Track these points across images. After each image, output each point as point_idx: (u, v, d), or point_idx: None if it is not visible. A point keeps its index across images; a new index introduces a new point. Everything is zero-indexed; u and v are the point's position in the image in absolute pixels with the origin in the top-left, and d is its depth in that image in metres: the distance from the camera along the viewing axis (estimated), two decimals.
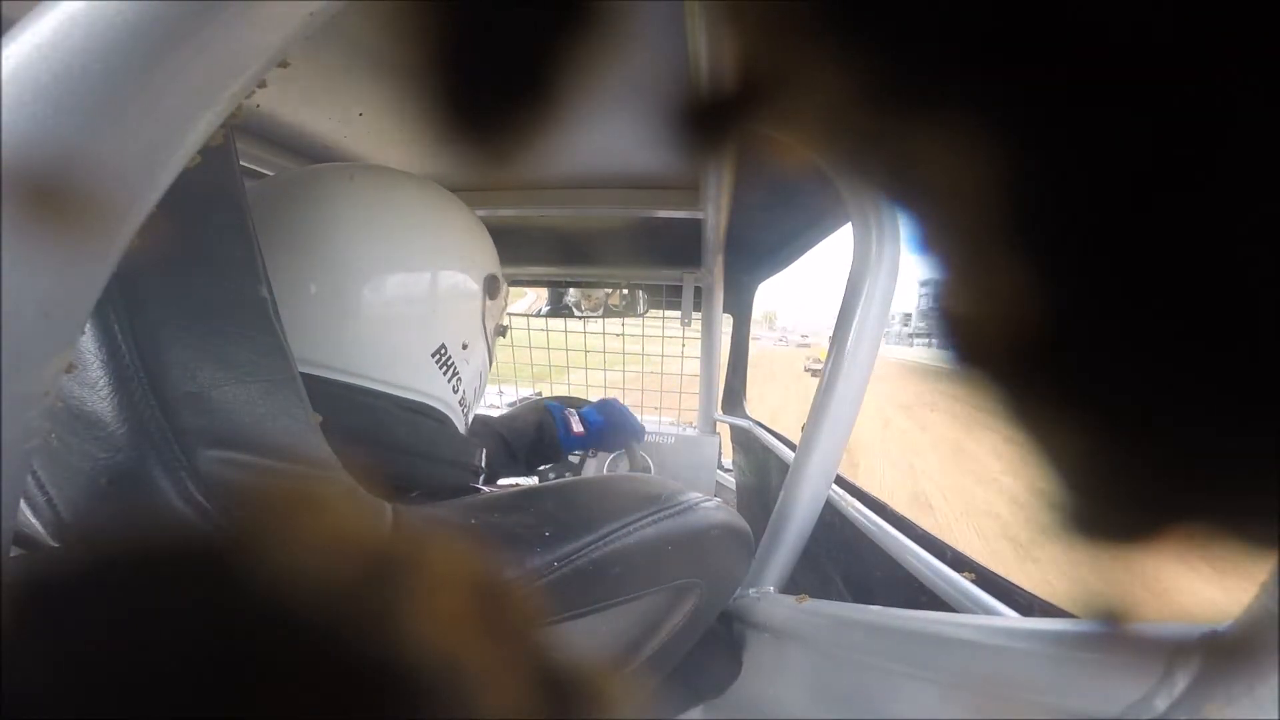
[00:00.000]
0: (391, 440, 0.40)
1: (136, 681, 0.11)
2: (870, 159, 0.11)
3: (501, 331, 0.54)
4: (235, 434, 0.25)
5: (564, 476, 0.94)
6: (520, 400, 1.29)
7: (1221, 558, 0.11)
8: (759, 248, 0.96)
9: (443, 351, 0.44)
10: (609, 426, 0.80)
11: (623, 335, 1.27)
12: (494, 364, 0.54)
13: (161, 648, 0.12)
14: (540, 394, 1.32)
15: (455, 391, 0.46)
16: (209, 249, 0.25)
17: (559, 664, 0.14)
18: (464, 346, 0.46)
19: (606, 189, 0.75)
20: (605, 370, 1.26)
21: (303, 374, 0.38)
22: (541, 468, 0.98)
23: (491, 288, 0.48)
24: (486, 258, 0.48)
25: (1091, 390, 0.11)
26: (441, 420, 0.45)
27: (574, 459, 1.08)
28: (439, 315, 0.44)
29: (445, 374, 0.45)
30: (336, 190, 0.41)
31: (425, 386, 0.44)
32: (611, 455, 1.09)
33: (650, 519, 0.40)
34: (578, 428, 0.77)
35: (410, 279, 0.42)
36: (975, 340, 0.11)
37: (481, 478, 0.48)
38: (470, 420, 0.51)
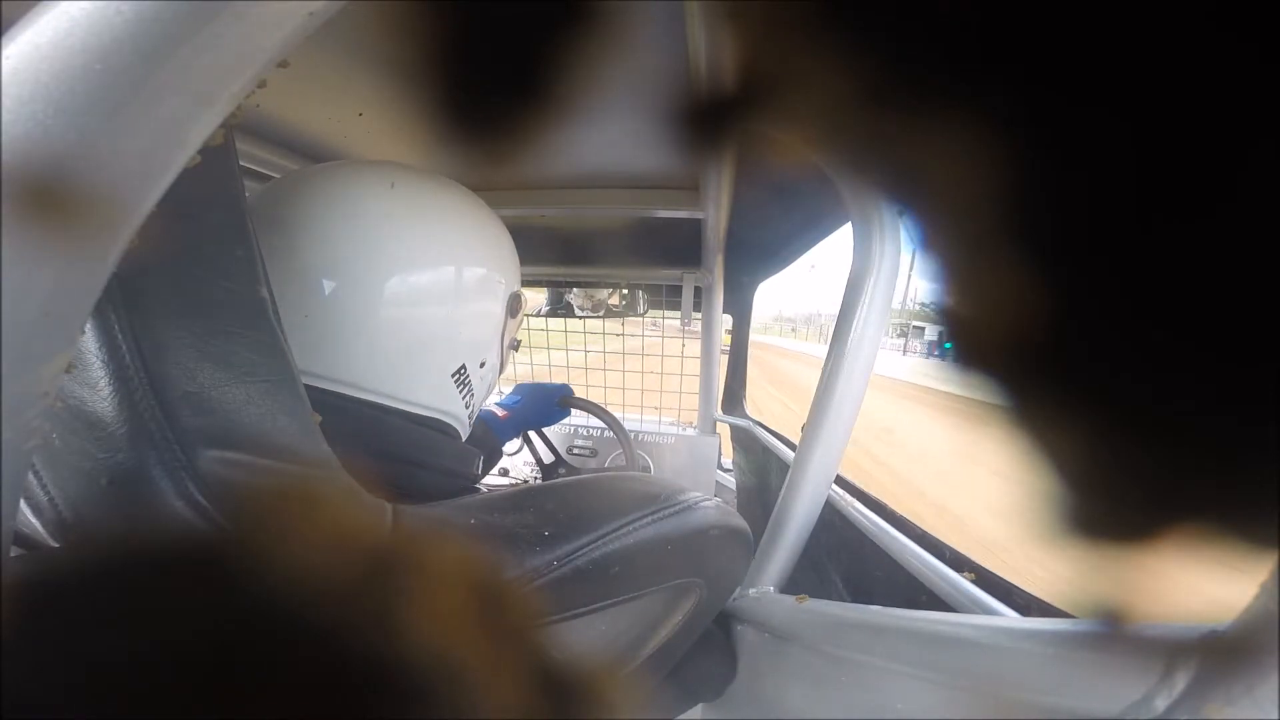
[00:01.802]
0: (397, 450, 0.40)
1: (137, 681, 0.11)
2: (871, 159, 0.11)
3: (515, 346, 0.53)
4: (235, 434, 0.25)
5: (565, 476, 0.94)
6: None
7: (1221, 558, 0.11)
8: (759, 248, 0.96)
9: (462, 371, 0.44)
10: (525, 398, 0.85)
11: (623, 335, 1.27)
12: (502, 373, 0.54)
13: (162, 648, 0.12)
14: None
15: (467, 407, 0.46)
16: (209, 249, 0.25)
17: (558, 663, 0.14)
18: (481, 365, 0.46)
19: (607, 189, 0.75)
20: (605, 370, 1.26)
21: (319, 388, 0.37)
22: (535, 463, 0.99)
23: (514, 306, 0.47)
24: (514, 274, 0.47)
25: (1092, 390, 0.11)
26: (447, 432, 0.45)
27: (578, 457, 1.08)
28: (464, 336, 0.43)
29: (461, 392, 0.45)
30: (376, 197, 0.39)
31: (440, 404, 0.43)
32: (611, 455, 1.09)
33: (650, 518, 0.40)
34: (502, 414, 0.82)
35: (443, 298, 0.41)
36: (976, 341, 0.11)
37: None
38: (473, 424, 0.51)
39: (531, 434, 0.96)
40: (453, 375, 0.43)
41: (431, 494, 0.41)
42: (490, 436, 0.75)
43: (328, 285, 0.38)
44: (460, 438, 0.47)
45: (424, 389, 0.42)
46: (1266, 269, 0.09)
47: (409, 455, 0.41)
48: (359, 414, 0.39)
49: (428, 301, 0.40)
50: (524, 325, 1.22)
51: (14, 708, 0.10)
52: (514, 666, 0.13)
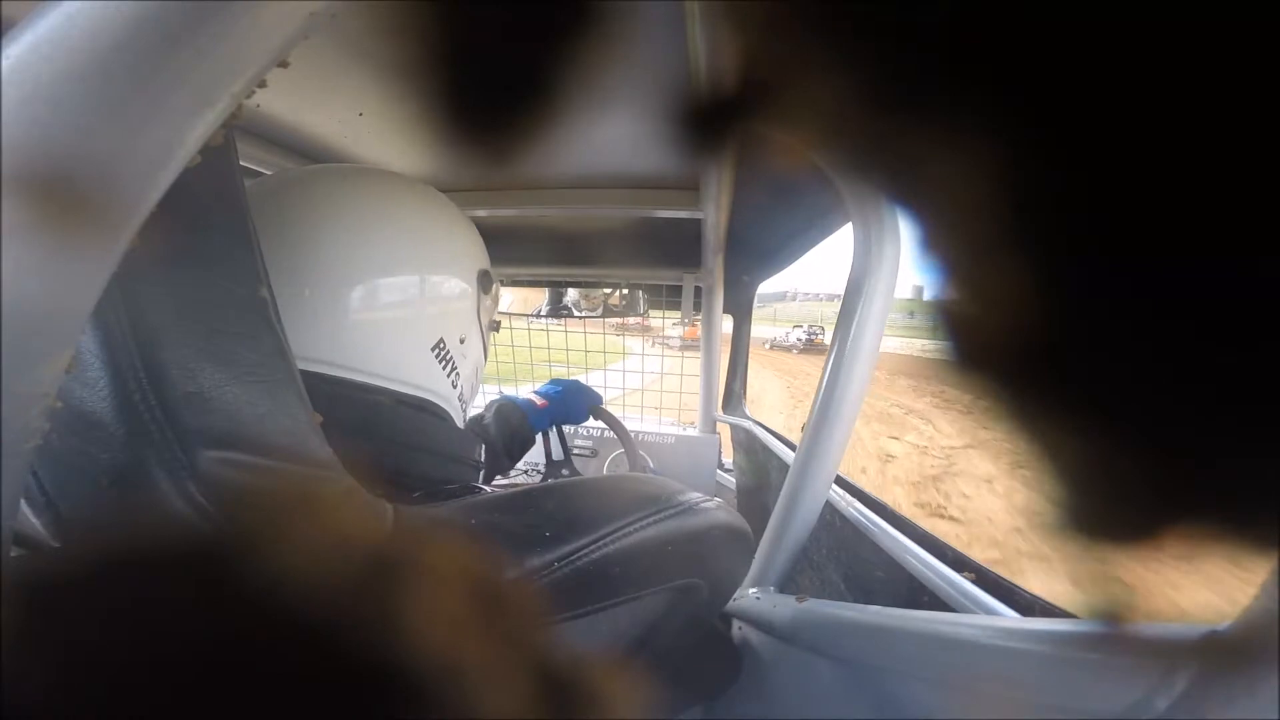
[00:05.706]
0: (393, 435, 0.41)
1: (137, 681, 0.11)
2: (871, 160, 0.11)
3: (495, 326, 0.56)
4: (236, 434, 0.25)
5: (565, 477, 0.94)
6: None
7: (1222, 558, 0.11)
8: (759, 248, 0.96)
9: (441, 345, 0.46)
10: (566, 392, 0.84)
11: (623, 335, 1.27)
12: (489, 360, 0.56)
13: (162, 647, 0.12)
14: None
15: (455, 387, 0.48)
16: (209, 249, 0.25)
17: (559, 664, 0.14)
18: (461, 341, 0.48)
19: (606, 189, 0.75)
20: (606, 370, 1.26)
21: (305, 371, 0.38)
22: (535, 462, 0.99)
23: (485, 283, 0.50)
24: (478, 254, 0.50)
25: (1093, 391, 0.11)
26: (442, 416, 0.47)
27: (578, 457, 1.08)
28: (437, 310, 0.45)
29: (445, 368, 0.46)
30: (332, 193, 0.42)
31: (425, 381, 0.45)
32: (611, 456, 1.09)
33: (651, 519, 0.40)
34: (540, 403, 0.81)
35: (409, 277, 0.44)
36: (976, 341, 0.11)
37: (481, 474, 0.49)
38: (467, 416, 0.53)
39: (552, 429, 0.94)
40: (432, 349, 0.45)
41: (435, 481, 0.42)
42: (525, 426, 0.76)
43: (300, 275, 0.40)
44: (454, 422, 0.48)
45: (406, 366, 0.44)
46: (1266, 270, 0.09)
47: (408, 439, 0.42)
48: (350, 398, 0.40)
49: (398, 281, 0.43)
50: (527, 327, 1.23)
51: (14, 708, 0.10)
52: (514, 667, 0.13)
